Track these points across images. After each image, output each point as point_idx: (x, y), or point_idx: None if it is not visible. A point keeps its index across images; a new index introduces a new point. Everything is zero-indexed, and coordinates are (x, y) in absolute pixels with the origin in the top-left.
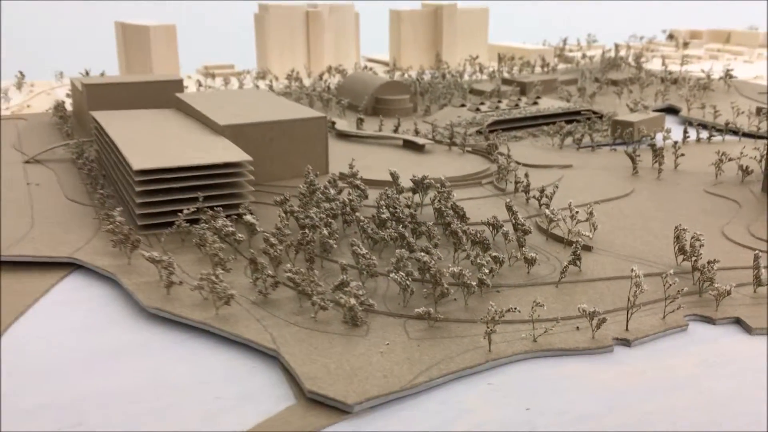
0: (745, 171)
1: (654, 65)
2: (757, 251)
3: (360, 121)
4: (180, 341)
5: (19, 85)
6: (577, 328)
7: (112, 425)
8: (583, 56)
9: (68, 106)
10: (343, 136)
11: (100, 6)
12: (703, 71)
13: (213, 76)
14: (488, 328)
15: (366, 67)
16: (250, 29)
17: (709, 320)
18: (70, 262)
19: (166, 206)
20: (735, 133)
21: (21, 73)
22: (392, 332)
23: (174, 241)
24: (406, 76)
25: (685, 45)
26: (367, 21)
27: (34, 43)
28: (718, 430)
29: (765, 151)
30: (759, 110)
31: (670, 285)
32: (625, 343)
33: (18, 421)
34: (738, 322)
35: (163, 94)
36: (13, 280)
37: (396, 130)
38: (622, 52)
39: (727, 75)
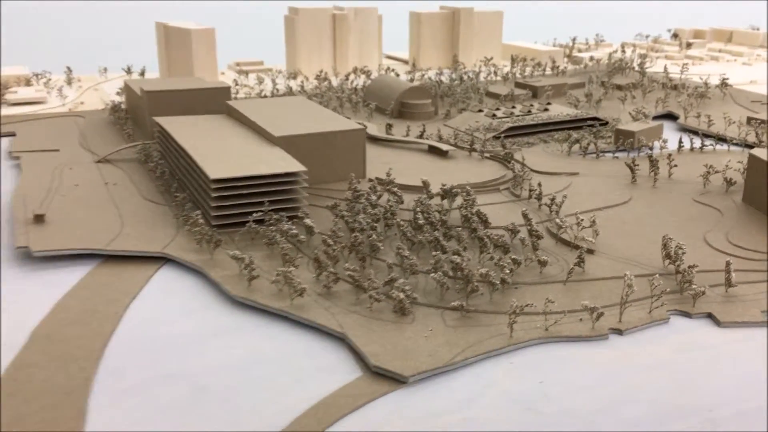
0: (729, 182)
1: (658, 66)
2: (728, 259)
3: (389, 127)
4: (263, 325)
5: (68, 81)
6: (581, 319)
7: (231, 389)
8: (591, 58)
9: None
10: (373, 139)
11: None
12: (701, 78)
13: (246, 73)
14: (510, 319)
15: (388, 68)
16: (275, 28)
17: (687, 315)
18: (161, 256)
19: (235, 209)
20: (725, 141)
21: (69, 68)
22: (433, 321)
23: (244, 239)
24: (425, 77)
25: (688, 45)
26: (387, 19)
27: (60, 37)
28: (687, 399)
29: (747, 164)
30: (749, 120)
31: (656, 286)
32: (618, 332)
33: (153, 387)
34: (710, 316)
35: (213, 100)
36: (120, 270)
37: (421, 135)
38: (628, 53)
39: (723, 83)
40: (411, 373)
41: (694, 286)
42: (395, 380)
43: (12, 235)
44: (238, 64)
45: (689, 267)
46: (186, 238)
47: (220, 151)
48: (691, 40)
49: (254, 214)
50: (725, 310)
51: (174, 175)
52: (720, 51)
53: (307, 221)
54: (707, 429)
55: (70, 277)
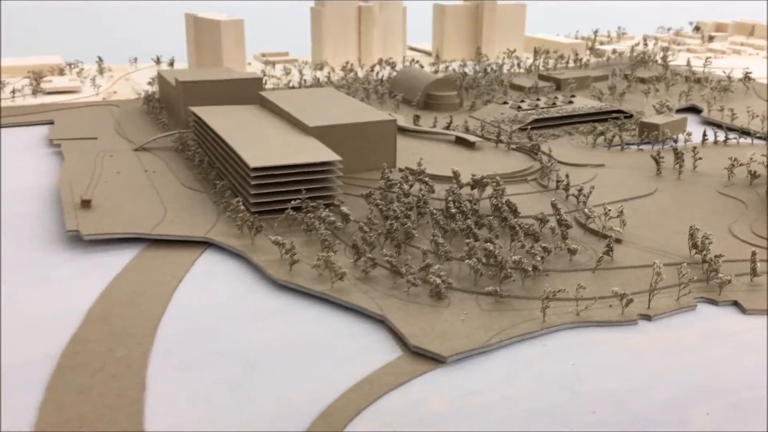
0: (753, 175)
1: (681, 59)
2: (754, 249)
3: (417, 118)
4: (305, 307)
5: (100, 71)
6: (610, 305)
7: (280, 366)
8: (614, 51)
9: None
10: (401, 130)
11: None
12: (724, 72)
13: (273, 64)
14: (543, 304)
15: (413, 60)
16: (297, 19)
17: (713, 302)
18: (203, 241)
19: (272, 196)
20: (748, 134)
21: (100, 58)
22: (468, 305)
23: (282, 226)
24: (450, 69)
25: (711, 39)
26: (411, 11)
27: (86, 28)
28: (713, 382)
29: None
30: None
31: (684, 275)
32: (647, 318)
33: (207, 362)
34: (736, 304)
35: (245, 90)
36: (165, 254)
37: (448, 127)
38: (650, 45)
39: (746, 77)
40: (449, 354)
41: (720, 275)
42: (434, 360)
43: (60, 219)
44: (264, 55)
45: (715, 257)
46: (226, 224)
47: (256, 141)
48: (713, 33)
49: (292, 202)
50: (750, 298)
51: (212, 164)
52: (742, 44)
53: (344, 209)
54: (731, 411)
55: (118, 259)
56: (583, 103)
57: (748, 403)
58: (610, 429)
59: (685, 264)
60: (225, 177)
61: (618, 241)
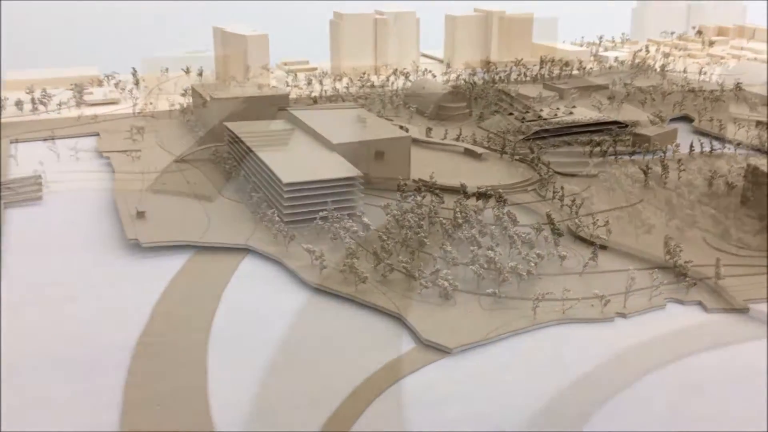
0: (730, 186)
1: (680, 65)
2: (719, 256)
3: (429, 130)
4: (334, 305)
5: (136, 82)
6: (592, 305)
7: (316, 354)
8: (616, 59)
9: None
10: (415, 141)
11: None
12: (717, 83)
13: (295, 74)
14: (534, 304)
15: (426, 70)
16: (315, 28)
17: (680, 302)
18: (244, 248)
19: (302, 207)
20: (731, 143)
21: (134, 69)
22: (471, 304)
23: (312, 233)
24: (460, 79)
25: (711, 44)
26: (423, 19)
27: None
28: (677, 367)
29: (745, 170)
30: (758, 123)
31: (655, 279)
32: (623, 315)
33: (255, 351)
34: (700, 304)
35: (274, 106)
36: (212, 259)
37: (458, 138)
38: (652, 51)
39: (737, 88)
40: (455, 345)
41: (687, 279)
42: (442, 351)
43: (117, 226)
44: (285, 64)
45: (685, 262)
46: (263, 232)
47: (286, 156)
48: (714, 38)
49: (320, 213)
50: (712, 299)
51: (247, 178)
52: (742, 49)
53: (365, 219)
54: (691, 388)
55: (173, 263)
56: (583, 114)
57: (705, 382)
58: (587, 404)
59: (656, 269)
60: (260, 189)
61: (603, 247)
